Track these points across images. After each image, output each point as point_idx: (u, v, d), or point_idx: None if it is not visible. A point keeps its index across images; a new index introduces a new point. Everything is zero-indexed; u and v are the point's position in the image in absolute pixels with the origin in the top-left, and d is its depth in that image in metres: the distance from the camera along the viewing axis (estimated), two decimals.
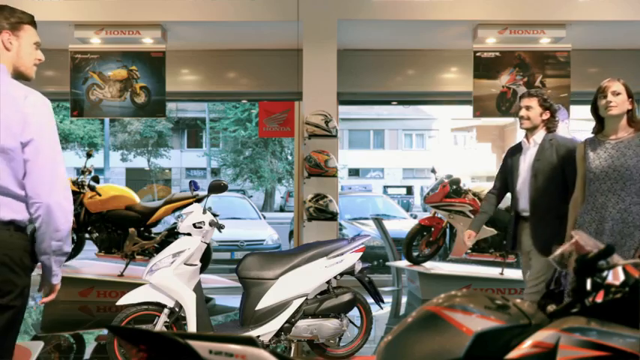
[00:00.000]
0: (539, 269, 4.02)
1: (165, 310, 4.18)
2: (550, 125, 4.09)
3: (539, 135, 4.08)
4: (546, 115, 4.08)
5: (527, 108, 4.08)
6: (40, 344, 4.66)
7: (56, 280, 2.55)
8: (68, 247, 2.48)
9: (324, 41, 6.67)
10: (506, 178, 4.29)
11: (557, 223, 3.90)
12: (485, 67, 6.99)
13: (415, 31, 7.16)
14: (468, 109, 7.07)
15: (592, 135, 3.65)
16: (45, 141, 2.38)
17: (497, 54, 6.97)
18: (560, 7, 6.63)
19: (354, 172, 31.84)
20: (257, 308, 4.35)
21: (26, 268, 2.44)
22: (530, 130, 4.11)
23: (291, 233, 11.28)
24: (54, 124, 2.46)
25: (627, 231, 3.42)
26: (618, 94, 3.55)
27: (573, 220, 3.66)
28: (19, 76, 2.53)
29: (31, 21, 2.59)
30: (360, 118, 30.71)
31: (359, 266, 4.64)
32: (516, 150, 4.24)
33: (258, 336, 4.28)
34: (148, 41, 6.99)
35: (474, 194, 6.77)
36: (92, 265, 7.54)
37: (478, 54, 6.98)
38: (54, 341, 5.59)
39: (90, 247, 7.42)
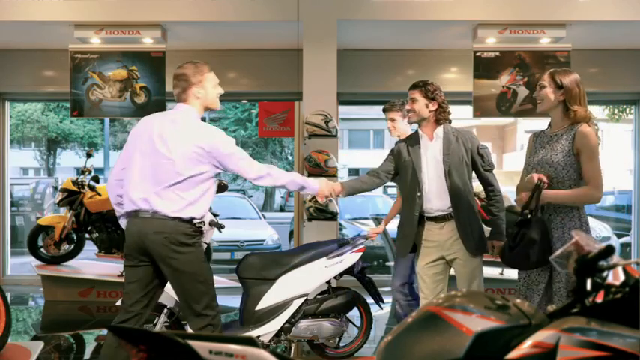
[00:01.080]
0: (469, 272, 3.73)
1: (165, 310, 4.18)
2: (443, 116, 3.79)
3: (440, 129, 3.79)
4: (434, 106, 3.78)
5: (413, 101, 3.80)
6: (40, 344, 4.67)
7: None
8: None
9: (324, 41, 6.67)
10: (396, 168, 3.93)
11: (478, 220, 3.79)
12: (485, 67, 6.99)
13: (415, 31, 7.16)
14: (468, 109, 7.06)
15: (546, 128, 3.42)
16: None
17: (497, 54, 6.97)
18: (560, 7, 6.63)
19: (354, 172, 31.82)
20: (257, 308, 4.35)
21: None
22: (420, 123, 3.83)
23: (291, 233, 11.28)
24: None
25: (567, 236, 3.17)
26: (543, 87, 3.28)
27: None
28: (207, 109, 3.46)
29: (209, 69, 3.42)
30: (360, 118, 30.68)
31: (359, 266, 4.64)
32: (414, 143, 3.86)
33: (258, 336, 4.27)
34: (148, 41, 6.99)
35: (474, 194, 6.76)
36: (92, 265, 7.54)
37: (478, 54, 6.98)
38: (54, 341, 5.59)
39: (90, 247, 7.42)
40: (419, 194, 3.76)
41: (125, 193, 3.35)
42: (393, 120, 4.64)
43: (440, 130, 3.80)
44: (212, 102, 3.44)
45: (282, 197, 26.39)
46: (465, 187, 3.74)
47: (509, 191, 6.01)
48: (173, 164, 3.24)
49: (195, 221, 3.33)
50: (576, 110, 3.21)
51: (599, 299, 1.88)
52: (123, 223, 3.46)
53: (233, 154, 3.37)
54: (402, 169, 3.89)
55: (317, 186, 3.67)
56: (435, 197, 3.75)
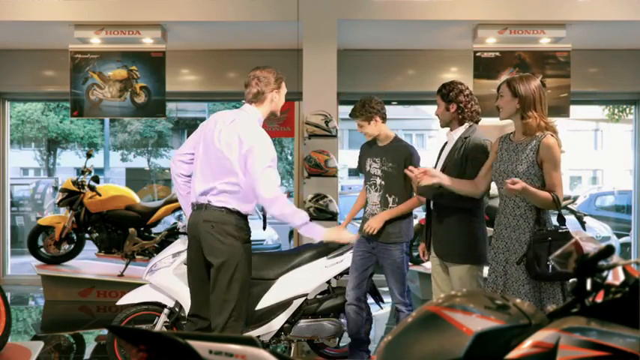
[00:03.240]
0: (454, 276, 3.63)
1: (165, 310, 4.18)
2: (464, 116, 3.76)
3: (457, 132, 3.79)
4: (453, 108, 3.77)
5: (437, 106, 3.86)
6: (40, 344, 4.67)
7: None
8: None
9: (324, 41, 6.66)
10: None
11: (462, 228, 3.63)
12: (485, 67, 6.99)
13: (415, 31, 7.16)
14: None
15: (510, 133, 3.43)
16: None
17: (497, 54, 6.97)
18: (560, 7, 6.62)
19: (354, 172, 31.80)
20: (257, 308, 4.35)
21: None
22: (449, 126, 3.85)
23: (291, 233, 11.27)
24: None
25: (522, 237, 3.21)
26: (501, 96, 3.34)
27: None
28: (271, 115, 3.70)
29: (283, 78, 3.65)
30: None
31: None
32: (442, 148, 3.96)
33: (258, 336, 4.27)
34: (148, 41, 6.99)
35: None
36: (92, 265, 7.54)
37: (478, 54, 6.98)
38: (54, 341, 5.59)
39: (90, 247, 7.42)
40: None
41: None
42: (360, 126, 4.37)
43: (457, 132, 3.77)
44: (279, 109, 3.71)
45: None
46: (452, 192, 3.57)
47: None
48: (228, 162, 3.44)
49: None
50: (529, 120, 3.23)
51: (599, 299, 1.88)
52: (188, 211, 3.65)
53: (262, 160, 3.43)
54: None
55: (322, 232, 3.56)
56: None
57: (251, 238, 3.51)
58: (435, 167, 3.79)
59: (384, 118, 4.37)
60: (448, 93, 3.78)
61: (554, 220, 3.27)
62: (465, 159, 3.64)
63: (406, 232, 4.24)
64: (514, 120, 3.35)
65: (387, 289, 4.34)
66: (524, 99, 3.24)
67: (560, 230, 3.13)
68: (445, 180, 3.45)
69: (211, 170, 3.47)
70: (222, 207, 3.42)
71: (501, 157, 3.35)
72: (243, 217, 3.49)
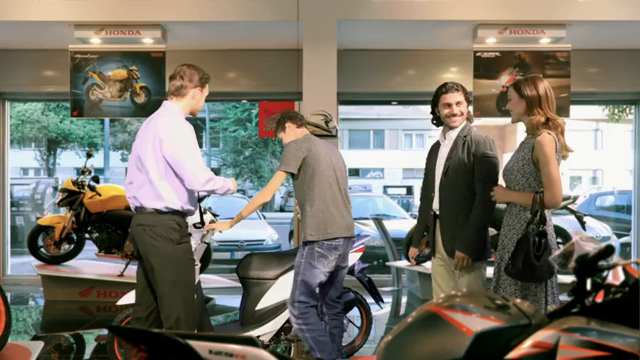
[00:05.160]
0: (463, 275, 3.63)
1: None
2: (468, 117, 3.77)
3: (455, 130, 3.75)
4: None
5: (458, 104, 3.72)
6: (40, 344, 4.67)
7: None
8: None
9: (324, 41, 6.66)
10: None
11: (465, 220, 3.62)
12: (485, 67, 6.98)
13: (415, 31, 7.16)
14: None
15: None
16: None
17: (497, 54, 6.97)
18: (560, 7, 6.62)
19: (354, 172, 31.80)
20: (257, 308, 4.35)
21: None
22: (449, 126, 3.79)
23: (291, 233, 11.28)
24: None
25: (514, 237, 3.26)
26: (510, 99, 3.37)
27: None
28: (190, 115, 3.67)
29: (209, 79, 3.69)
30: (360, 118, 30.70)
31: (359, 266, 4.64)
32: (434, 148, 3.92)
33: (258, 336, 4.28)
34: (148, 41, 6.98)
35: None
36: (92, 265, 7.54)
37: (478, 54, 6.98)
38: (54, 341, 5.59)
39: (90, 247, 7.42)
40: (432, 194, 3.83)
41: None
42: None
43: (454, 132, 3.75)
44: (198, 109, 3.72)
45: (282, 197, 26.39)
46: (459, 191, 3.62)
47: None
48: None
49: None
50: (532, 118, 3.27)
51: (599, 299, 1.88)
52: None
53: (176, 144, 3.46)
54: (429, 174, 3.91)
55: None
56: (436, 197, 3.79)
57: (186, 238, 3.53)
58: (434, 168, 3.81)
59: (298, 124, 4.34)
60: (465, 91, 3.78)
61: (556, 221, 3.29)
62: (473, 156, 3.63)
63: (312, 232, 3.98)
64: (524, 120, 3.37)
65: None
66: (530, 99, 3.27)
67: (540, 229, 3.12)
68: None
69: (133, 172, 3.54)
70: (152, 208, 3.44)
71: (512, 156, 3.42)
72: (178, 216, 3.49)
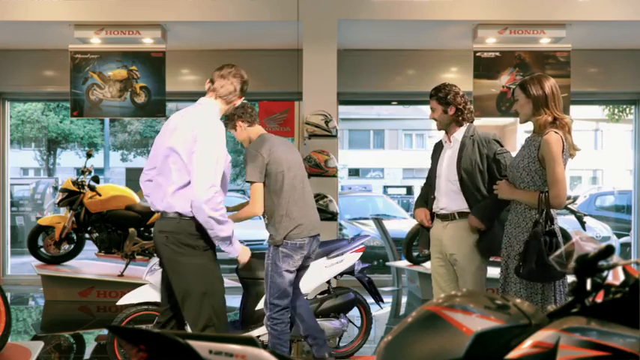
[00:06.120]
0: (469, 273, 3.71)
1: None
2: (463, 118, 3.77)
3: (459, 133, 3.78)
4: (452, 111, 3.76)
5: (433, 111, 3.82)
6: (40, 344, 4.67)
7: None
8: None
9: (324, 41, 6.66)
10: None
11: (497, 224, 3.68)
12: (485, 67, 6.99)
13: (415, 31, 7.16)
14: None
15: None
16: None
17: (497, 54, 6.97)
18: (560, 7, 6.62)
19: (354, 172, 31.78)
20: (257, 308, 4.35)
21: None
22: (446, 129, 3.84)
23: None
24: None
25: (520, 236, 3.28)
26: (517, 100, 3.37)
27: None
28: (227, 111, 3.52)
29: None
30: (360, 118, 30.67)
31: (359, 266, 4.64)
32: (438, 148, 3.95)
33: (258, 336, 4.27)
34: (148, 41, 6.99)
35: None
36: (92, 265, 7.54)
37: (478, 54, 6.98)
38: (54, 341, 5.59)
39: (90, 247, 7.42)
40: (432, 196, 3.84)
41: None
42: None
43: (459, 133, 3.77)
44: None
45: None
46: (478, 191, 3.68)
47: None
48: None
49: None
50: (539, 117, 3.28)
51: (599, 299, 1.88)
52: None
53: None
54: (432, 174, 3.92)
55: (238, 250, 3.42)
56: (444, 196, 3.78)
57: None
58: (439, 171, 3.82)
59: (249, 122, 4.07)
60: (445, 96, 3.77)
61: (560, 222, 3.30)
62: (486, 157, 3.66)
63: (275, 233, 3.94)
64: (531, 120, 3.37)
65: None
66: (537, 98, 3.28)
67: (547, 229, 3.14)
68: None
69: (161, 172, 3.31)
70: (175, 212, 3.19)
71: (517, 153, 3.42)
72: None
